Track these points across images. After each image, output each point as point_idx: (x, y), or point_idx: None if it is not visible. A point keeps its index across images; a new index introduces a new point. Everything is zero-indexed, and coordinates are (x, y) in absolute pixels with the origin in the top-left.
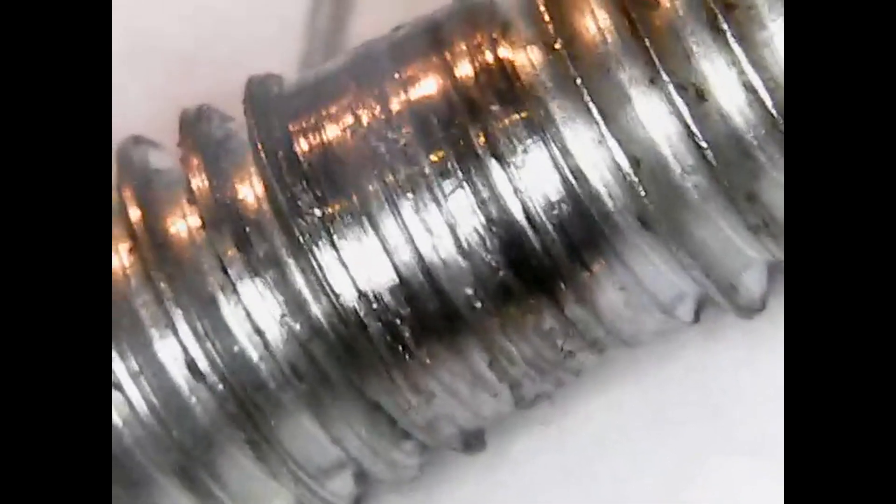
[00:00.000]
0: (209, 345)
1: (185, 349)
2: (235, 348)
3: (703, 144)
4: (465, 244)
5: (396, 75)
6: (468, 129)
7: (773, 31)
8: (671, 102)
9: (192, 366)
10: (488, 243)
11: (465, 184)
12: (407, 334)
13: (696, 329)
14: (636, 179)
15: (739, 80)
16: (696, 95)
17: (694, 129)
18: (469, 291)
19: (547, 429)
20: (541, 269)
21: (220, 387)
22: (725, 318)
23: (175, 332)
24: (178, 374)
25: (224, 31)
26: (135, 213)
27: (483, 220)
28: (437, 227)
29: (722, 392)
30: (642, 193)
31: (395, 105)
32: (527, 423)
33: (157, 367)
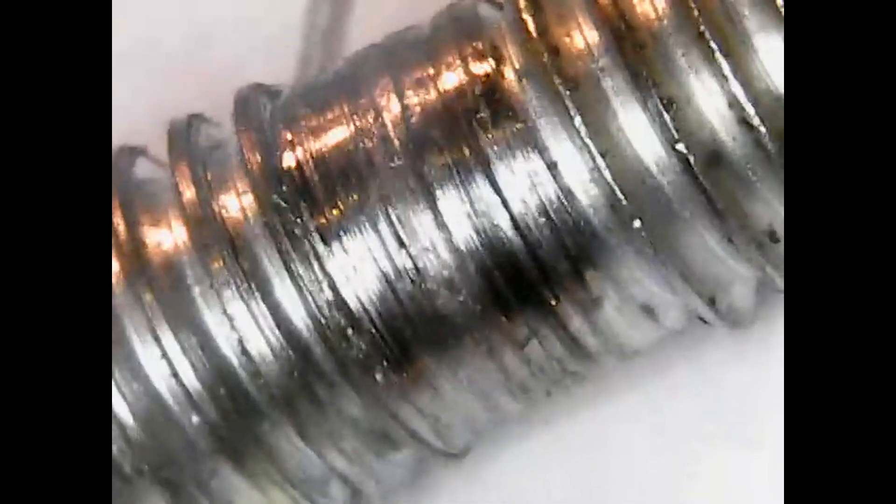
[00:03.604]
0: (194, 358)
1: (170, 362)
2: (221, 363)
3: (689, 159)
4: (457, 255)
5: (386, 88)
6: (458, 141)
7: (761, 48)
8: (657, 117)
9: (177, 379)
10: (481, 254)
11: (455, 195)
12: (397, 347)
13: (695, 323)
14: (621, 195)
15: (725, 96)
16: (682, 110)
17: (679, 144)
18: (461, 302)
19: (541, 428)
20: (533, 282)
21: (206, 401)
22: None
23: (160, 345)
24: (164, 387)
25: (223, 32)
26: (119, 224)
27: (474, 232)
28: (430, 238)
29: (720, 386)
30: (627, 208)
31: (386, 117)
32: (514, 437)
33: (142, 379)
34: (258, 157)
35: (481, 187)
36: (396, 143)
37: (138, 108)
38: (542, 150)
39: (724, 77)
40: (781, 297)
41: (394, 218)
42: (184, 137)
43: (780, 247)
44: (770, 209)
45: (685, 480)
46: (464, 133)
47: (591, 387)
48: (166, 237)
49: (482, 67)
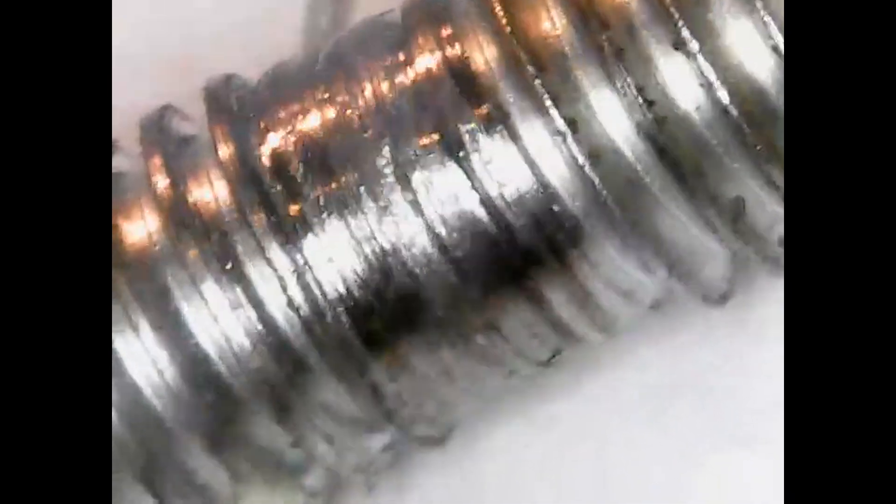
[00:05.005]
0: (172, 348)
1: (147, 350)
2: (198, 351)
3: (661, 141)
4: (434, 239)
5: (359, 74)
6: (430, 126)
7: (731, 31)
8: (628, 100)
9: (155, 369)
10: (458, 238)
11: (430, 180)
12: (375, 331)
13: (694, 323)
14: (594, 176)
15: (693, 77)
16: (653, 92)
17: (651, 126)
18: (440, 286)
19: (534, 421)
20: (511, 263)
21: (185, 390)
22: (724, 312)
23: (138, 336)
24: (142, 378)
25: (223, 32)
26: None
27: (451, 216)
28: (406, 223)
29: (720, 385)
30: (601, 189)
31: (359, 103)
32: (510, 414)
33: (120, 371)
34: (231, 147)
35: (455, 172)
36: (370, 129)
37: (138, 109)
38: (513, 134)
39: (694, 58)
40: (778, 294)
41: (370, 204)
42: (156, 129)
43: (749, 219)
44: (741, 184)
45: (682, 480)
46: (436, 118)
47: (586, 383)
48: (140, 229)
49: (453, 53)
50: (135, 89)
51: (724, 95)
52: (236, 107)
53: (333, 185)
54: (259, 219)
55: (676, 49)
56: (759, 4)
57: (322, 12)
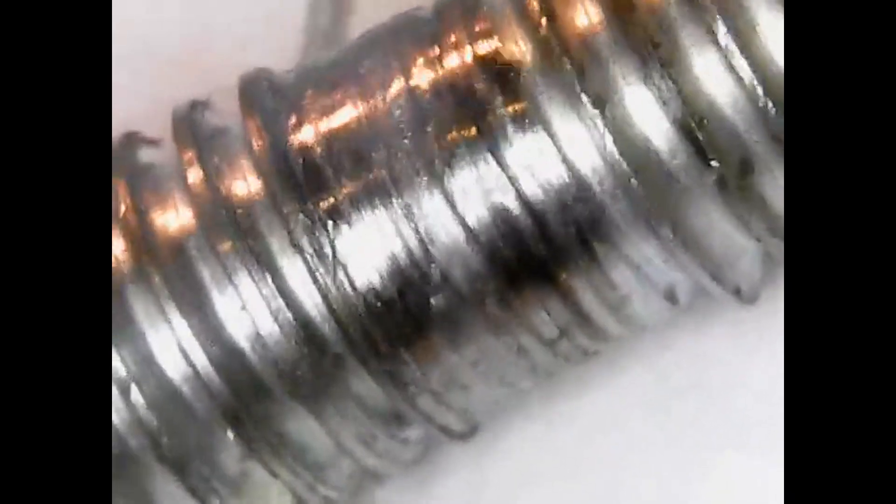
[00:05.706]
0: (204, 339)
1: (179, 344)
2: (230, 343)
3: (695, 134)
4: (465, 232)
5: (392, 68)
6: (464, 120)
7: (765, 24)
8: (661, 91)
9: (187, 360)
10: (490, 231)
11: (462, 173)
12: (406, 324)
13: (695, 325)
14: (627, 169)
15: (729, 71)
16: (686, 85)
17: (683, 118)
18: (471, 280)
19: (544, 423)
20: (542, 257)
21: (215, 381)
22: (726, 315)
23: (170, 327)
24: (173, 369)
25: (223, 33)
26: (127, 209)
27: (482, 209)
28: (438, 216)
29: (721, 389)
30: (634, 183)
31: (392, 97)
32: (522, 415)
33: (151, 361)
34: (265, 140)
35: (488, 165)
36: (403, 122)
37: (138, 110)
38: (547, 127)
39: (729, 52)
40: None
41: (402, 196)
42: (188, 122)
43: (779, 216)
44: (773, 179)
45: (683, 483)
46: (470, 112)
47: (591, 386)
48: (174, 221)
49: (486, 46)
50: (135, 89)
51: (758, 89)
52: (269, 101)
53: (365, 178)
54: (291, 211)
55: (711, 42)
56: None
57: (322, 12)
